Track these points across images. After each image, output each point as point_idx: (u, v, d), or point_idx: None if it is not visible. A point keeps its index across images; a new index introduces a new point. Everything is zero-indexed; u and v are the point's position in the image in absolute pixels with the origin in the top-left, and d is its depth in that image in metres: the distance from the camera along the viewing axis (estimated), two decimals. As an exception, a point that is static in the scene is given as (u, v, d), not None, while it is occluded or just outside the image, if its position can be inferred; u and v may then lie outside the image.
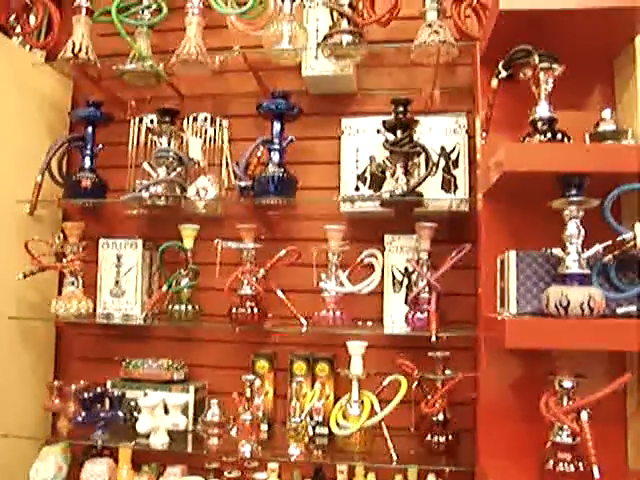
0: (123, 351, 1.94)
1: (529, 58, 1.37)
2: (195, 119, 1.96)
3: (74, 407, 1.76)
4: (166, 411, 1.74)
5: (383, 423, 1.59)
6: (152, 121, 1.95)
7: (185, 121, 1.96)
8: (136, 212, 1.95)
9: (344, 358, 1.68)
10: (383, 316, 1.75)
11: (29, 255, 1.80)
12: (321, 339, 1.83)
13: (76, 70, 1.93)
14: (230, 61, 1.86)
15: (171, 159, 1.81)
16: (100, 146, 1.93)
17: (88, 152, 1.91)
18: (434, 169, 1.72)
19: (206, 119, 1.96)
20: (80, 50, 1.85)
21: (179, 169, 1.81)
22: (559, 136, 1.35)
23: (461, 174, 1.74)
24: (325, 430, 1.71)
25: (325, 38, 1.72)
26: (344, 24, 1.71)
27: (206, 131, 1.95)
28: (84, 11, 1.89)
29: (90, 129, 1.92)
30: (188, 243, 1.83)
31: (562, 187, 1.28)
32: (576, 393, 1.29)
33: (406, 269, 1.75)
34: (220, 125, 1.96)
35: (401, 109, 1.69)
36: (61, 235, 1.90)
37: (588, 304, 1.21)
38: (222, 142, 1.95)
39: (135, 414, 1.75)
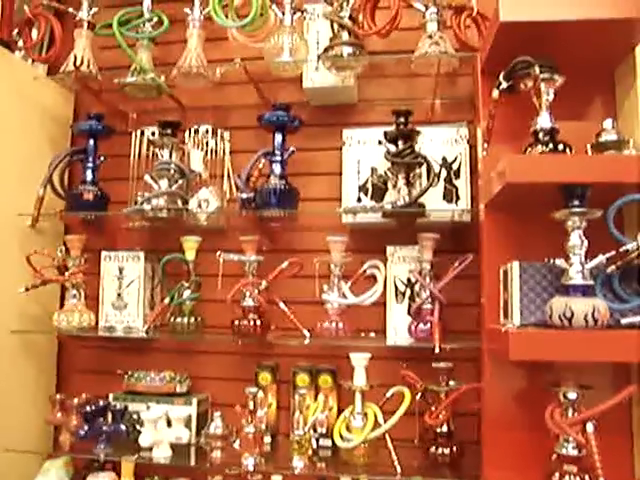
0: (125, 364, 1.93)
1: (530, 69, 1.37)
2: (196, 131, 1.96)
3: (76, 421, 1.75)
4: (169, 424, 1.73)
5: (387, 435, 1.58)
6: (153, 133, 1.95)
7: (186, 133, 1.96)
8: (138, 224, 1.94)
9: (347, 370, 1.67)
10: (386, 327, 1.74)
11: (31, 268, 1.80)
12: (324, 351, 1.83)
13: (78, 83, 1.94)
14: (231, 73, 1.86)
15: (173, 171, 1.81)
16: (102, 158, 1.93)
17: (90, 165, 1.91)
18: (436, 180, 1.71)
19: (207, 131, 1.96)
20: (82, 63, 1.87)
21: (181, 181, 1.81)
22: (561, 147, 1.35)
23: (463, 184, 1.74)
24: (329, 442, 1.70)
25: (326, 50, 1.73)
26: (344, 36, 1.71)
27: (207, 143, 1.95)
28: (86, 25, 1.91)
29: (92, 142, 1.92)
30: (190, 255, 1.83)
31: (564, 198, 1.28)
32: (581, 404, 1.28)
33: (409, 280, 1.74)
34: (221, 137, 1.96)
35: (402, 120, 1.69)
36: (63, 248, 1.90)
37: (592, 315, 1.20)
38: (223, 154, 1.95)
39: (138, 427, 1.74)
